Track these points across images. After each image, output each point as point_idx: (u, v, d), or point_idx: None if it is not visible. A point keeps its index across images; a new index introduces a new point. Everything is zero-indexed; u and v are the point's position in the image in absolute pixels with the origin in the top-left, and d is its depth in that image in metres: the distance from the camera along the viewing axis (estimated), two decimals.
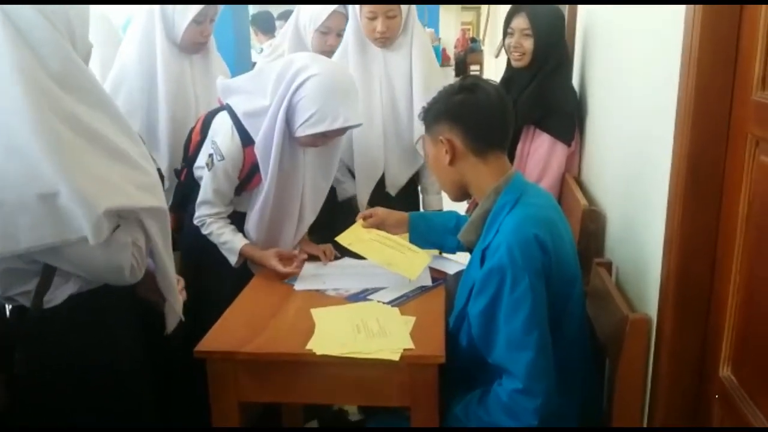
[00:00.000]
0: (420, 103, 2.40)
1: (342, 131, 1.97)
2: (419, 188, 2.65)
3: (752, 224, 1.23)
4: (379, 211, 2.02)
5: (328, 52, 2.43)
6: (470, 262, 1.66)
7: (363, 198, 2.50)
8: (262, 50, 4.38)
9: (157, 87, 2.29)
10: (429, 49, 2.52)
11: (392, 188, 2.52)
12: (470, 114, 1.56)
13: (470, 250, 1.66)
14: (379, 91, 2.43)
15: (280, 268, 1.98)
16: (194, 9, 2.23)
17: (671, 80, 1.42)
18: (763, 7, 1.17)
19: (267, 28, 5.15)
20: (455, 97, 1.58)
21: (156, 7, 2.29)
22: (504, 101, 1.58)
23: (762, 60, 1.19)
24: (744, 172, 1.25)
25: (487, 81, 1.61)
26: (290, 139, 1.96)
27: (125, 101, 2.31)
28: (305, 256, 2.11)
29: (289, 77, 1.90)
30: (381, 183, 2.52)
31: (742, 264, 1.26)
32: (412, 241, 2.01)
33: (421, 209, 2.62)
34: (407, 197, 2.59)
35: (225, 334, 1.64)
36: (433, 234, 1.97)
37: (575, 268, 1.58)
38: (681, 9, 1.37)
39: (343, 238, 1.88)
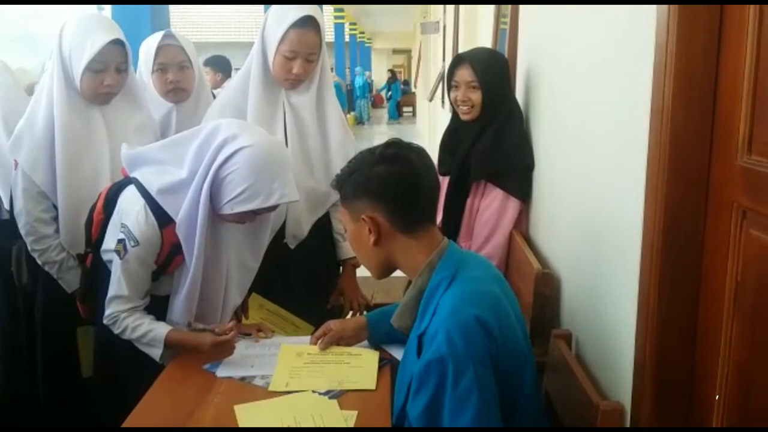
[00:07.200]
0: (340, 146, 2.20)
1: (274, 207, 1.75)
2: (334, 235, 2.34)
3: (744, 306, 1.07)
4: (332, 324, 1.80)
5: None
6: (406, 350, 1.46)
7: None
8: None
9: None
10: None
11: (292, 239, 2.23)
12: (394, 189, 1.38)
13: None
14: (282, 132, 2.15)
15: (221, 338, 1.71)
16: (87, 55, 1.99)
17: (639, 134, 1.27)
18: (747, 54, 1.03)
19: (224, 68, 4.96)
20: (375, 169, 1.39)
21: (55, 50, 2.05)
22: (429, 169, 1.42)
23: (747, 118, 1.04)
24: (730, 246, 1.09)
25: (408, 146, 1.43)
26: (213, 215, 1.73)
27: (28, 154, 2.06)
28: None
29: (214, 148, 1.68)
30: (278, 235, 2.19)
31: (733, 351, 1.10)
32: (372, 341, 1.79)
33: (339, 258, 2.35)
34: (310, 248, 2.29)
35: None
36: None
37: (526, 349, 1.40)
38: (649, 49, 1.22)
39: (277, 384, 1.61)
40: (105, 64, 2.03)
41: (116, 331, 1.76)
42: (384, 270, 1.47)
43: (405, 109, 22.12)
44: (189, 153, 1.72)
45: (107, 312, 1.77)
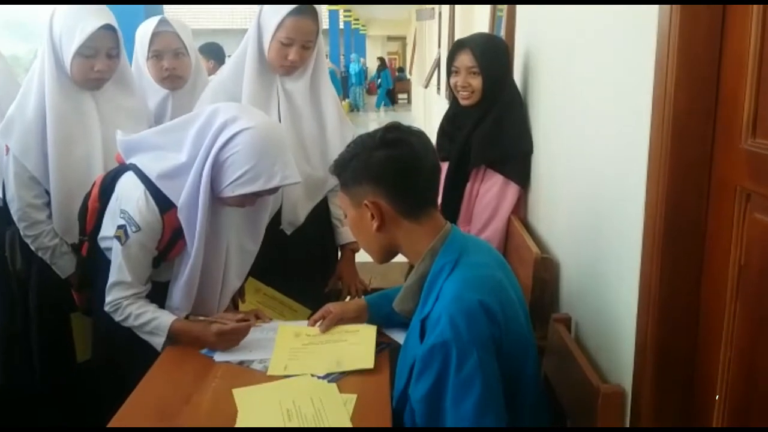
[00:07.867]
0: (337, 131, 2.20)
1: (274, 190, 1.74)
2: (332, 221, 2.33)
3: (747, 290, 1.06)
4: (331, 307, 1.79)
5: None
6: (408, 334, 1.45)
7: None
8: None
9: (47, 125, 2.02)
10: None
11: (289, 226, 2.22)
12: (396, 173, 1.36)
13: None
14: (276, 118, 2.13)
15: (226, 328, 1.69)
16: (78, 40, 1.96)
17: (640, 116, 1.26)
18: (752, 34, 1.02)
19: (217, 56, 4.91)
20: (376, 153, 1.37)
21: (46, 35, 2.02)
22: (429, 152, 1.40)
23: (752, 100, 1.03)
24: (733, 229, 1.08)
25: (409, 130, 1.41)
26: (213, 199, 1.72)
27: (19, 140, 2.04)
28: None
29: (214, 130, 1.66)
30: (274, 221, 2.17)
31: (736, 334, 1.09)
32: (372, 324, 1.77)
33: (338, 243, 2.34)
34: (307, 234, 2.27)
35: None
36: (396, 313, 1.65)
37: (528, 333, 1.40)
38: (652, 29, 1.21)
39: (275, 368, 1.60)
40: (95, 50, 2.00)
41: (118, 318, 1.74)
42: (386, 255, 1.46)
43: (400, 95, 22.03)
44: (188, 137, 1.70)
45: (108, 299, 1.74)
